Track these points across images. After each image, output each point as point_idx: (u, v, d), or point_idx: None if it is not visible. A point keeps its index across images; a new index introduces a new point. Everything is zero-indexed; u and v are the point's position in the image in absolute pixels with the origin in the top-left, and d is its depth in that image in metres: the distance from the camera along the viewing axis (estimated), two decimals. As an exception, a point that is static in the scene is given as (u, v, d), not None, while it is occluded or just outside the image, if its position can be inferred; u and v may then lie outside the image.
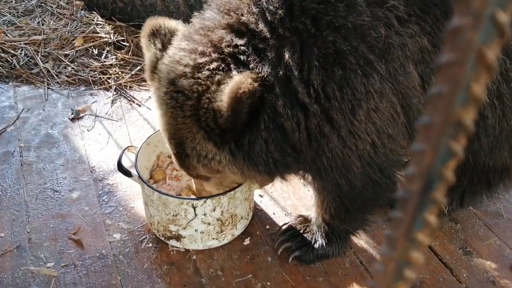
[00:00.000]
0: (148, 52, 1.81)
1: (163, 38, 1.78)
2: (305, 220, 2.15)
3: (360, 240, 2.17)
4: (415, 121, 1.65)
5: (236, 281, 1.99)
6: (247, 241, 2.17)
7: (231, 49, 1.56)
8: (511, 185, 2.05)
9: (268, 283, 1.98)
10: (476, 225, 2.27)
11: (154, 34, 1.80)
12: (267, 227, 2.25)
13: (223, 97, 1.49)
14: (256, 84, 1.46)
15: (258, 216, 2.30)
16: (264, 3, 1.53)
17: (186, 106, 1.62)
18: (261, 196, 2.41)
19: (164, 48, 1.76)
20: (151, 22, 1.84)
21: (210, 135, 1.62)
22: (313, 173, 1.83)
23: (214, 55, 1.57)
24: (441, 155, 0.25)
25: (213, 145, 1.65)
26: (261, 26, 1.53)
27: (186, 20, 3.57)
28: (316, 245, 2.04)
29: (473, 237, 2.21)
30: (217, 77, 1.55)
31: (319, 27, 1.49)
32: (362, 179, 1.72)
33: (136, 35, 3.61)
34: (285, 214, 2.31)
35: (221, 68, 1.56)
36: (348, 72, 1.49)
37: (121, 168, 2.12)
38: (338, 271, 2.04)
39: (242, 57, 1.55)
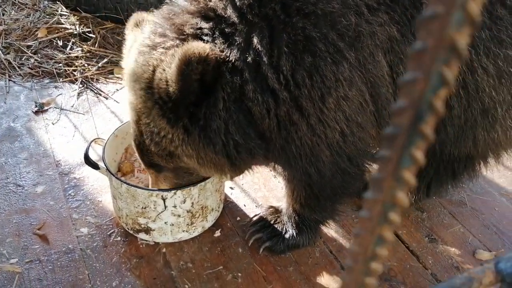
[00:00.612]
0: (127, 42, 1.88)
1: (143, 29, 1.81)
2: (276, 211, 2.16)
3: (330, 229, 2.19)
4: (384, 110, 1.67)
5: (207, 272, 1.98)
6: (217, 233, 2.16)
7: (193, 31, 1.57)
8: (475, 174, 2.11)
9: (239, 274, 1.98)
10: (441, 214, 2.33)
11: (137, 25, 1.86)
12: (238, 218, 2.25)
13: (173, 63, 1.49)
14: (208, 51, 1.46)
15: (229, 208, 2.30)
16: None
17: (142, 79, 1.63)
18: (231, 188, 2.40)
19: None
20: (135, 16, 1.92)
21: (164, 111, 1.61)
22: (282, 162, 1.83)
23: (172, 35, 1.59)
24: (432, 83, 0.25)
25: (166, 122, 1.63)
26: (229, 11, 1.53)
27: (155, 10, 3.52)
28: (287, 235, 2.05)
29: (439, 225, 2.27)
30: (171, 52, 1.55)
31: (289, 13, 1.49)
32: (331, 168, 1.74)
33: (103, 26, 3.54)
34: (256, 206, 2.32)
35: (176, 44, 1.57)
36: (317, 59, 1.50)
37: (88, 160, 2.08)
38: (308, 260, 2.06)
39: (205, 38, 1.55)
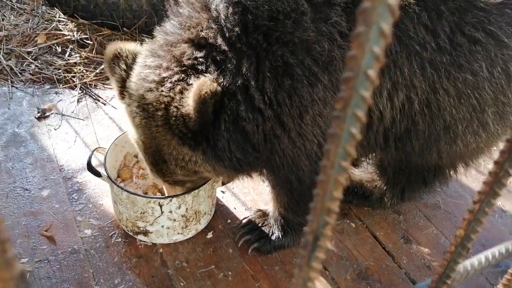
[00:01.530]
0: (114, 74, 1.96)
1: (126, 60, 1.93)
2: (264, 214, 2.35)
3: (313, 231, 2.39)
4: None
5: (200, 271, 2.18)
6: (210, 235, 2.36)
7: (190, 61, 1.72)
8: (446, 181, 2.31)
9: (230, 273, 2.18)
10: (416, 216, 2.54)
11: (117, 57, 1.94)
12: (229, 221, 2.44)
13: (189, 101, 1.65)
14: (215, 84, 1.62)
15: (220, 211, 2.49)
16: (222, 21, 1.68)
17: (157, 117, 1.78)
18: (223, 192, 2.59)
19: (128, 68, 1.92)
20: (112, 47, 1.98)
21: (184, 140, 1.79)
22: (268, 170, 2.03)
23: (176, 69, 1.73)
24: (374, 36, 0.33)
25: (188, 148, 1.82)
26: (219, 40, 1.68)
27: (150, 18, 3.68)
28: (273, 237, 2.25)
29: (414, 227, 2.47)
30: (178, 87, 1.71)
31: (270, 42, 1.65)
32: (310, 176, 1.93)
33: (100, 33, 3.68)
34: (245, 209, 2.51)
35: (181, 78, 1.72)
36: (295, 82, 1.68)
37: (90, 168, 2.25)
38: (293, 259, 2.26)
39: (200, 67, 1.70)
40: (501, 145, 2.10)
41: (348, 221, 2.49)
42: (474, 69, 1.73)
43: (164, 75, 1.75)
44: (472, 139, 1.90)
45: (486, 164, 2.91)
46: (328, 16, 1.67)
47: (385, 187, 2.41)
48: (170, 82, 1.73)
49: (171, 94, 1.72)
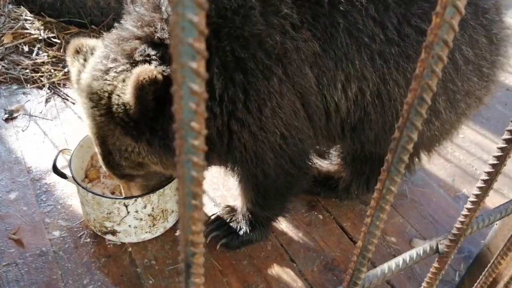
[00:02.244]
0: (73, 67, 1.98)
1: (85, 54, 1.95)
2: (232, 210, 2.37)
3: (281, 224, 2.42)
4: (315, 116, 1.88)
5: (169, 269, 2.19)
6: (178, 232, 2.36)
7: (142, 58, 1.72)
8: (410, 170, 2.35)
9: (198, 269, 2.19)
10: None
11: (77, 51, 1.97)
12: (198, 217, 2.45)
13: (128, 88, 1.66)
14: (155, 72, 1.61)
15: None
16: None
17: (100, 106, 1.79)
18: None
19: (86, 61, 1.93)
20: (74, 42, 2.01)
21: (126, 129, 1.78)
22: (231, 164, 2.03)
23: (123, 61, 1.74)
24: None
25: (130, 139, 1.81)
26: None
27: (117, 15, 3.64)
28: (241, 232, 2.27)
29: (380, 216, 2.51)
30: (122, 76, 1.72)
31: (220, 38, 1.66)
32: (275, 169, 1.95)
33: (67, 31, 3.64)
34: (214, 205, 2.53)
35: (126, 69, 1.73)
36: (249, 77, 1.68)
37: (56, 170, 2.24)
38: (261, 254, 2.29)
39: (154, 63, 1.70)
40: (459, 132, 2.13)
41: (315, 213, 2.52)
42: None
43: (110, 65, 1.76)
44: (426, 128, 1.94)
45: (453, 152, 2.97)
46: (278, 9, 1.68)
47: (350, 178, 2.44)
48: (115, 72, 1.74)
49: (114, 82, 1.73)
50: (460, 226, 0.84)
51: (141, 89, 1.61)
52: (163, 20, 1.71)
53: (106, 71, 1.77)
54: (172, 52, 0.38)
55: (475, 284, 1.17)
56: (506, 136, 0.78)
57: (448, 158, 2.93)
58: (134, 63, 1.73)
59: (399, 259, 0.84)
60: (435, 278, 0.91)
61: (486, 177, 0.83)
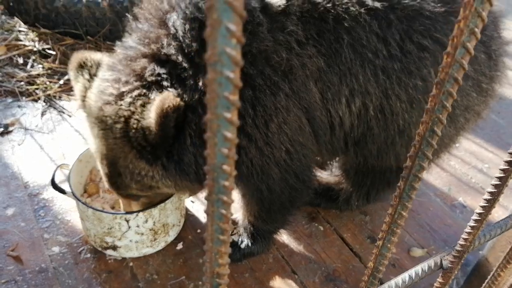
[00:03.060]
0: (77, 83, 1.96)
1: (90, 69, 1.92)
2: (233, 223, 2.37)
3: (282, 236, 2.43)
4: (320, 131, 1.89)
5: (171, 283, 2.19)
6: (180, 246, 2.36)
7: (154, 78, 1.71)
8: (409, 182, 2.37)
9: (200, 283, 2.19)
10: (382, 216, 2.59)
11: (82, 66, 1.94)
12: (199, 231, 2.45)
13: (151, 114, 1.65)
14: (178, 99, 1.62)
15: (190, 221, 2.50)
16: (181, 38, 1.68)
17: (115, 129, 1.76)
18: (192, 201, 2.60)
19: (91, 77, 1.91)
20: (78, 56, 1.98)
21: (142, 153, 1.78)
22: (237, 180, 2.04)
23: (136, 83, 1.73)
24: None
25: (145, 162, 1.81)
26: (180, 57, 1.68)
27: (113, 26, 3.63)
28: (243, 245, 2.27)
29: (380, 227, 2.53)
30: (140, 102, 1.70)
31: None
32: (280, 184, 1.96)
33: (62, 43, 3.62)
34: (215, 217, 2.52)
35: (142, 93, 1.71)
36: (257, 93, 1.69)
37: (55, 186, 2.23)
38: (263, 266, 2.29)
39: (165, 83, 1.70)
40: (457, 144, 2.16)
41: (316, 224, 2.53)
42: (423, 74, 1.79)
43: (123, 89, 1.74)
44: None
45: (449, 161, 3.00)
46: (284, 25, 1.70)
47: (351, 189, 2.46)
48: (130, 97, 1.72)
49: (132, 108, 1.71)
50: (463, 243, 0.86)
51: (165, 116, 1.61)
52: (169, 35, 1.71)
53: (120, 96, 1.74)
54: (208, 104, 0.39)
55: None
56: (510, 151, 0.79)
57: (443, 167, 2.96)
58: (147, 84, 1.72)
59: (405, 275, 0.85)
60: None
61: (489, 197, 0.84)
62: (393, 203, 0.61)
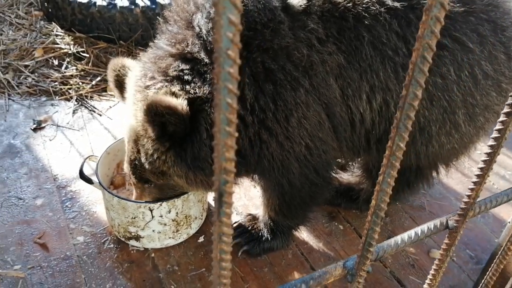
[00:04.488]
0: (115, 82, 2.19)
1: (122, 70, 2.16)
2: (253, 218, 2.40)
3: (302, 233, 2.43)
4: (339, 126, 1.92)
5: (191, 274, 2.22)
6: (201, 239, 2.40)
7: (176, 73, 1.81)
8: (428, 182, 2.36)
9: (220, 275, 2.21)
10: (402, 218, 2.58)
11: (120, 69, 2.16)
12: (219, 225, 2.48)
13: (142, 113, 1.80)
14: (172, 99, 1.71)
15: (212, 216, 2.53)
16: (204, 36, 1.77)
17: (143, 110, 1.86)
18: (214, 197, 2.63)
19: (124, 76, 2.14)
20: (115, 61, 2.21)
21: (158, 137, 1.85)
22: (258, 174, 2.08)
23: (159, 78, 1.84)
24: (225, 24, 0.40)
25: (160, 145, 1.89)
26: (202, 54, 1.76)
27: (145, 31, 3.76)
28: (262, 240, 2.29)
29: (399, 227, 2.51)
30: (163, 90, 1.80)
31: (250, 50, 1.72)
32: (300, 179, 1.98)
33: (96, 46, 3.77)
34: (236, 213, 2.55)
35: (164, 86, 1.81)
36: (279, 87, 1.74)
37: (82, 176, 2.30)
38: (282, 261, 2.30)
39: (186, 77, 1.79)
40: (477, 146, 2.17)
41: (336, 223, 2.53)
42: (443, 72, 1.81)
43: (148, 83, 1.86)
44: (446, 140, 1.97)
45: (471, 167, 2.97)
46: (305, 24, 1.75)
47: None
48: (155, 88, 1.83)
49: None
50: (467, 200, 0.87)
51: (153, 115, 1.73)
52: (194, 35, 1.79)
53: (147, 87, 1.88)
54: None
55: (487, 273, 1.18)
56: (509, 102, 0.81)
57: (465, 173, 2.93)
58: (169, 79, 1.82)
59: (411, 232, 0.87)
60: (446, 255, 0.94)
61: (490, 150, 0.85)
62: (391, 134, 0.64)
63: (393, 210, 2.60)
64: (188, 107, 1.74)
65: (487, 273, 1.16)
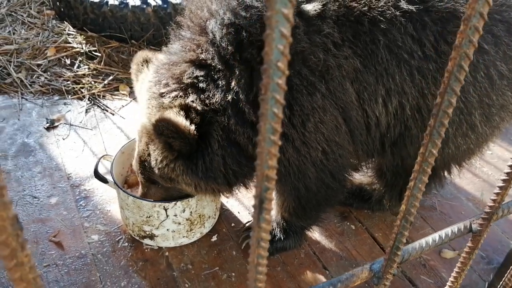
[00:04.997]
0: (136, 75, 2.22)
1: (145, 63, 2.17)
2: (266, 218, 2.41)
3: (314, 233, 2.45)
4: (356, 130, 1.93)
5: (205, 273, 2.24)
6: (214, 238, 2.42)
7: (190, 80, 1.82)
8: (441, 182, 2.37)
9: (233, 274, 2.24)
10: (415, 219, 2.58)
11: (142, 64, 2.18)
12: (233, 224, 2.51)
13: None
14: (182, 123, 1.74)
15: (225, 215, 2.56)
16: (218, 42, 1.78)
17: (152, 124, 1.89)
18: (227, 197, 2.66)
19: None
20: (141, 53, 2.23)
21: (168, 146, 1.89)
22: None
23: (174, 86, 1.86)
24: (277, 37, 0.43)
25: (169, 153, 1.92)
26: (216, 61, 1.78)
27: (157, 30, 3.78)
28: (275, 240, 2.31)
29: (411, 228, 2.51)
30: (177, 101, 1.83)
31: None
32: (317, 183, 2.00)
33: (108, 45, 3.79)
34: (249, 213, 2.58)
35: (180, 96, 1.84)
36: (295, 93, 1.75)
37: (97, 175, 2.33)
38: (294, 261, 2.32)
39: (201, 85, 1.81)
40: (490, 146, 2.17)
41: (348, 223, 2.54)
42: None
43: (162, 90, 1.88)
44: (463, 141, 1.97)
45: (482, 168, 2.97)
46: (320, 28, 1.76)
47: (383, 190, 2.47)
48: (169, 97, 1.86)
49: (170, 105, 1.86)
50: (492, 204, 0.89)
51: (159, 135, 1.81)
52: (208, 42, 1.81)
53: (161, 94, 1.90)
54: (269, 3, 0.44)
55: (505, 275, 1.19)
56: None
57: (476, 173, 2.93)
58: (184, 86, 1.84)
59: (435, 235, 0.88)
60: (469, 258, 0.95)
61: None
62: (424, 141, 0.65)
63: (404, 210, 2.61)
64: (195, 131, 1.78)
65: (506, 275, 1.17)
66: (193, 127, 1.77)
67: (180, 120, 1.75)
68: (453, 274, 1.00)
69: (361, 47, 1.79)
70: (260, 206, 0.53)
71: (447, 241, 0.90)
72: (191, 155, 1.88)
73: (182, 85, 1.84)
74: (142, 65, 2.17)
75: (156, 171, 2.00)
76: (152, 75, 1.99)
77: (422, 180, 0.68)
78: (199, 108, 1.79)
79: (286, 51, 0.44)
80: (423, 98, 1.84)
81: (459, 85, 0.58)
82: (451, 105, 0.60)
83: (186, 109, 1.79)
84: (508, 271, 1.19)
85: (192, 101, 1.80)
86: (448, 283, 1.01)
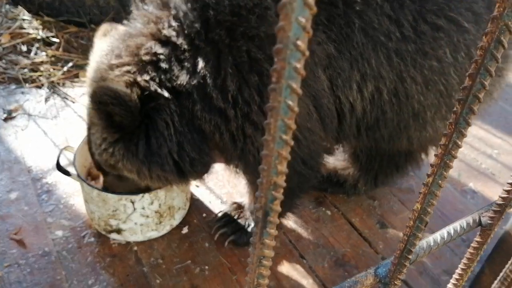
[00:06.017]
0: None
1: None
2: (239, 207, 2.33)
3: (289, 220, 2.38)
4: (326, 118, 1.85)
5: (176, 267, 2.15)
6: (185, 230, 2.32)
7: (149, 57, 1.67)
8: (418, 164, 2.33)
9: (206, 267, 2.15)
10: (391, 201, 2.55)
11: (105, 34, 1.98)
12: (204, 215, 2.41)
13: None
14: (122, 90, 1.60)
15: (195, 205, 2.46)
16: (182, 18, 1.65)
17: (89, 94, 1.76)
18: (197, 186, 2.56)
19: None
20: (105, 26, 2.04)
21: (106, 127, 1.76)
22: (243, 168, 1.99)
23: (127, 59, 1.71)
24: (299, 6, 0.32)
25: (107, 136, 1.79)
26: (180, 39, 1.64)
27: (117, 14, 3.60)
28: (249, 229, 2.23)
29: (389, 212, 2.49)
30: (124, 78, 1.67)
31: (234, 37, 1.61)
32: (289, 171, 1.90)
33: (66, 31, 3.59)
34: (221, 202, 2.48)
35: (132, 72, 1.68)
36: (265, 78, 1.63)
37: (59, 167, 2.19)
38: (270, 250, 2.24)
39: (163, 65, 1.66)
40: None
41: (323, 208, 2.48)
42: (439, 55, 1.74)
43: (113, 61, 1.72)
44: (441, 124, 1.92)
45: (458, 147, 2.96)
46: None
47: (358, 174, 2.42)
48: (119, 71, 1.70)
49: (117, 79, 1.70)
50: (505, 195, 0.81)
51: (97, 103, 1.65)
52: (171, 16, 1.67)
53: (110, 67, 1.73)
54: None
55: (507, 266, 1.14)
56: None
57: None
58: (140, 63, 1.68)
59: (443, 232, 0.81)
60: (477, 253, 0.88)
61: None
62: (448, 131, 0.55)
63: (381, 193, 2.57)
64: (137, 99, 1.63)
65: (507, 265, 1.11)
66: (135, 96, 1.63)
67: (120, 87, 1.61)
68: (458, 271, 0.92)
69: (335, 31, 1.69)
70: (265, 219, 0.43)
71: (456, 237, 0.82)
72: (133, 135, 1.73)
73: (137, 61, 1.69)
74: (104, 37, 2.00)
75: (97, 157, 1.87)
76: (105, 44, 1.84)
77: (442, 175, 0.58)
78: (152, 89, 1.65)
79: (308, 25, 0.33)
80: (401, 82, 1.77)
81: (495, 65, 0.49)
82: (484, 88, 0.51)
83: (131, 86, 1.66)
84: (510, 261, 1.13)
85: (146, 81, 1.65)
86: (452, 280, 0.93)
